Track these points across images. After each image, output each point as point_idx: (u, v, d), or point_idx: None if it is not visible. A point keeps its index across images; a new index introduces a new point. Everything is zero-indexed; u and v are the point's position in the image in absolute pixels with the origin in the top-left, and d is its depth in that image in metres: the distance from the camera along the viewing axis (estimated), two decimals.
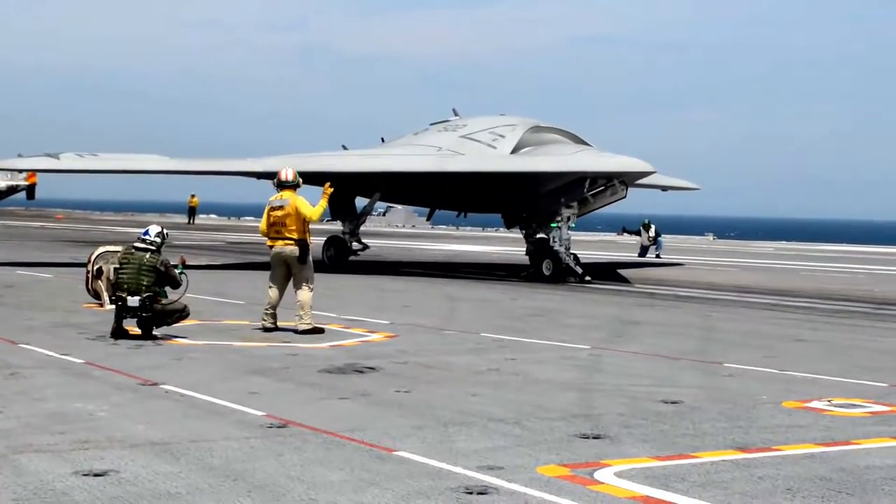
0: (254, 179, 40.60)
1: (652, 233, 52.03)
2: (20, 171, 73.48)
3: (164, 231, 18.84)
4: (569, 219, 35.32)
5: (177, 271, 18.45)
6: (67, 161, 37.92)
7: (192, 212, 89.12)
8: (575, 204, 35.21)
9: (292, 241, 19.47)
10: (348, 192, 40.31)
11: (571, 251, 35.52)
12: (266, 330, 19.33)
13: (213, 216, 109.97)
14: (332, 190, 20.38)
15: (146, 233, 18.43)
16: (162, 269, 18.11)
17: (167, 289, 18.41)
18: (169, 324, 18.23)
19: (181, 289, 18.45)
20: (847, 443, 11.17)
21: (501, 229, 50.24)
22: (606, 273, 38.52)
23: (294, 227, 19.48)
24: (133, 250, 18.30)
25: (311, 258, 19.74)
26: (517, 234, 41.09)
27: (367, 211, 41.95)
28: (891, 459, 10.47)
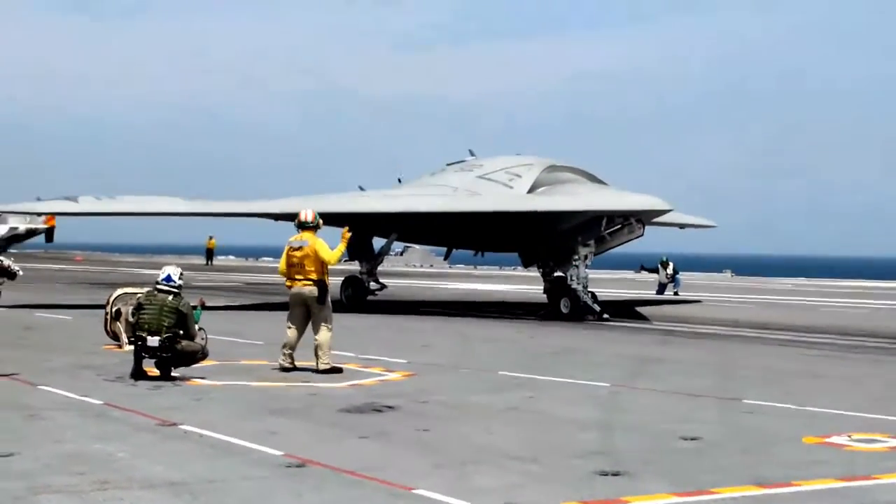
0: (271, 221, 40.76)
1: (670, 270, 52.05)
2: (39, 214, 73.67)
3: (182, 272, 18.88)
4: (586, 257, 35.33)
5: (196, 326, 18.43)
6: (86, 204, 38.11)
7: (209, 253, 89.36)
8: (592, 242, 35.24)
9: (311, 282, 19.49)
10: (366, 232, 40.41)
11: (589, 289, 35.51)
12: (284, 370, 19.33)
13: (231, 257, 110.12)
14: (350, 234, 20.41)
15: (168, 278, 18.39)
16: (184, 311, 18.13)
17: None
18: (188, 364, 18.25)
19: (198, 342, 18.39)
20: (868, 477, 11.12)
21: (519, 268, 50.15)
22: (624, 311, 38.48)
23: (313, 268, 19.50)
24: (156, 292, 18.35)
25: (329, 298, 19.76)
26: (535, 273, 41.09)
27: (384, 251, 42.02)
28: None
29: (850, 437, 13.49)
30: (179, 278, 18.52)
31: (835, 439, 13.31)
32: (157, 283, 18.49)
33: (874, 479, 11.09)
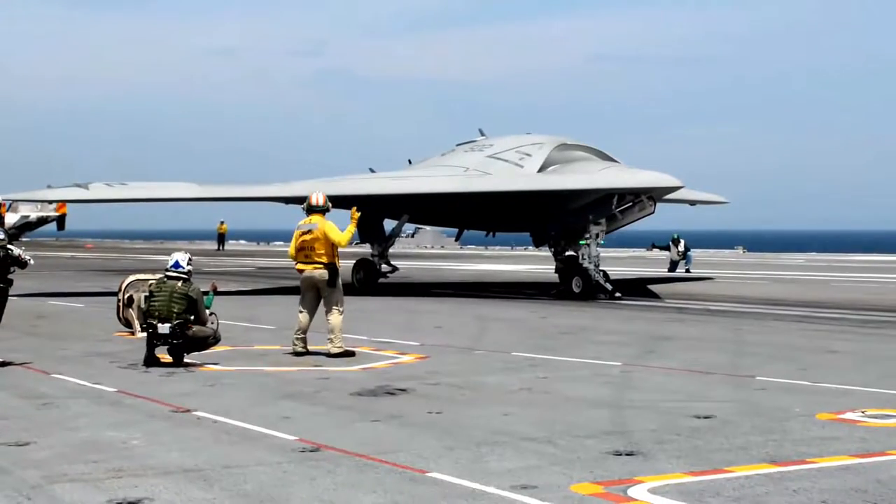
0: (282, 205, 40.77)
1: (681, 247, 51.94)
2: (50, 201, 73.90)
3: (191, 257, 18.91)
4: (597, 235, 35.28)
5: (207, 311, 18.46)
6: (96, 191, 38.15)
7: (221, 238, 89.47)
8: (603, 220, 35.19)
9: (321, 265, 19.49)
10: (377, 214, 40.38)
11: (601, 268, 35.49)
12: (297, 354, 19.35)
13: (242, 242, 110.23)
14: (359, 214, 20.39)
15: (176, 264, 18.46)
16: (194, 296, 18.16)
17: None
18: (200, 350, 18.28)
19: (210, 328, 18.41)
20: (883, 454, 11.10)
21: (530, 248, 50.18)
22: (636, 289, 38.47)
23: (323, 252, 19.50)
24: (165, 279, 18.40)
25: (340, 281, 19.75)
26: (546, 253, 41.07)
27: (395, 233, 41.98)
28: None
29: (863, 412, 13.47)
30: (188, 264, 18.57)
31: (848, 415, 13.29)
32: (167, 269, 18.53)
33: (888, 454, 11.07)
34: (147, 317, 18.29)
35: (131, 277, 23.27)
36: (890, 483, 9.87)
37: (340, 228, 19.81)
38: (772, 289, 39.54)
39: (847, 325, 25.66)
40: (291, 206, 38.24)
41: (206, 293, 18.71)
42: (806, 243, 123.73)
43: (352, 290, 32.42)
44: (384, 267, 40.43)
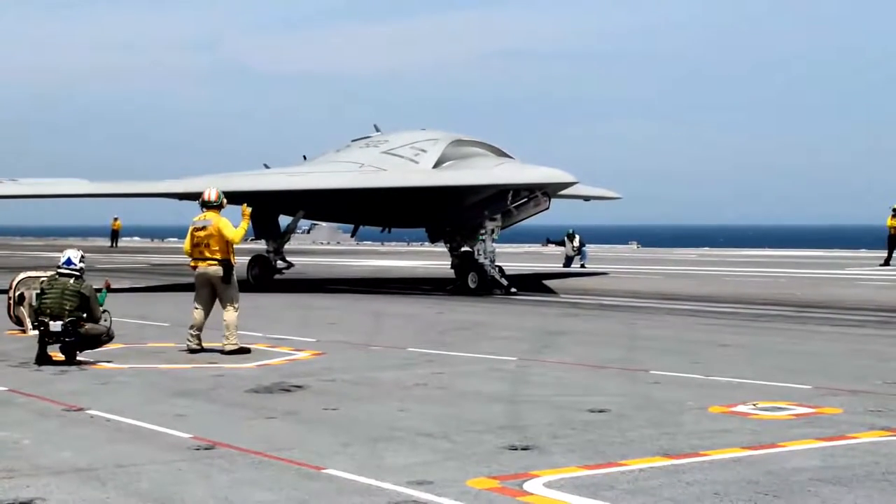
0: (176, 201, 40.47)
1: (576, 243, 52.26)
2: None
3: (83, 254, 18.70)
4: (493, 231, 35.43)
5: (100, 309, 18.25)
6: None
7: (115, 235, 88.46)
8: (498, 216, 35.34)
9: (216, 262, 19.37)
10: (271, 210, 40.26)
11: (496, 263, 35.63)
12: (192, 351, 19.22)
13: (136, 238, 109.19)
14: (250, 210, 20.30)
15: (68, 261, 18.24)
16: (86, 293, 17.95)
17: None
18: (93, 347, 18.07)
19: (103, 325, 18.20)
20: (773, 445, 11.27)
21: (426, 244, 50.23)
22: (532, 284, 38.66)
23: (217, 248, 19.38)
24: (57, 276, 18.17)
25: (235, 278, 19.64)
26: (442, 249, 41.15)
27: (290, 229, 41.90)
28: (816, 460, 10.58)
29: (754, 405, 13.66)
30: (80, 261, 18.35)
31: (740, 408, 13.47)
32: (59, 266, 18.32)
33: (779, 446, 11.24)
34: (39, 314, 18.05)
35: (22, 275, 22.96)
36: (780, 474, 10.01)
37: (235, 225, 19.71)
38: (665, 283, 39.93)
39: (738, 319, 25.99)
40: (186, 202, 38.01)
41: (99, 290, 18.51)
42: (699, 238, 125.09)
43: (247, 286, 32.24)
44: (279, 263, 40.30)
